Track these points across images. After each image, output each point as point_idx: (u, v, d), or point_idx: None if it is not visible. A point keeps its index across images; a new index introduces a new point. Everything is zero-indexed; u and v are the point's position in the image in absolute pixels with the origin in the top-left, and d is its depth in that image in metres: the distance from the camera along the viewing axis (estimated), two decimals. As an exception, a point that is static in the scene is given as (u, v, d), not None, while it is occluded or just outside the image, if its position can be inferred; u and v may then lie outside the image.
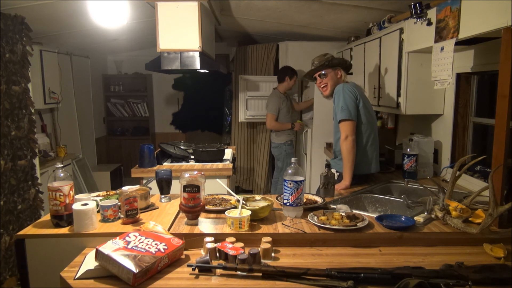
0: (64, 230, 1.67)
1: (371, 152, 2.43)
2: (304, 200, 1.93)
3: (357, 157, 2.32)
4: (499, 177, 1.64)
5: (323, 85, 2.45)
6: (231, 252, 1.43)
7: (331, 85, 2.42)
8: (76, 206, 1.65)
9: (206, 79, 6.11)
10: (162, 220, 1.78)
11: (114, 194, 2.04)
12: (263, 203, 1.80)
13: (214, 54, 3.74)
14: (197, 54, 2.90)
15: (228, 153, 3.51)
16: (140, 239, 1.43)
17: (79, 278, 1.34)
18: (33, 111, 3.11)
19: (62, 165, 1.71)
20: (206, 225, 1.75)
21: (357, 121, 2.32)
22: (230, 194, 2.01)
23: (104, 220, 1.75)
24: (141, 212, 1.84)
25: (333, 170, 2.25)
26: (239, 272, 1.34)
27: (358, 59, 3.59)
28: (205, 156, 3.22)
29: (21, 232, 1.66)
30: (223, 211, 1.79)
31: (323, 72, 2.42)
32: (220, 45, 5.79)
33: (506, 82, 1.60)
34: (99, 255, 1.34)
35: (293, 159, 1.85)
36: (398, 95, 2.74)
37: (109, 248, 1.35)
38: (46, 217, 1.82)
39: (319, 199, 2.02)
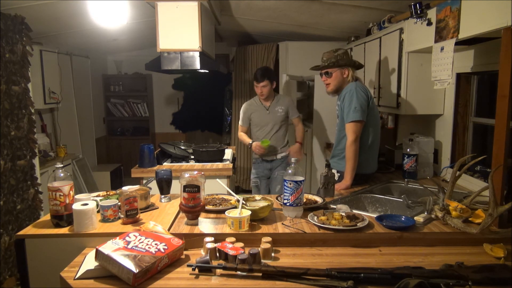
0: (64, 230, 1.67)
1: (373, 152, 2.45)
2: (304, 200, 1.93)
3: (361, 156, 2.32)
4: (499, 177, 1.64)
5: (327, 83, 2.46)
6: (231, 252, 1.43)
7: (335, 84, 2.42)
8: (76, 206, 1.65)
9: (206, 79, 6.11)
10: (162, 220, 1.78)
11: (114, 194, 2.04)
12: (263, 203, 1.80)
13: (214, 54, 3.74)
14: (197, 54, 2.90)
15: (228, 153, 3.51)
16: (140, 239, 1.43)
17: (79, 278, 1.34)
18: (33, 111, 3.11)
19: (62, 165, 1.71)
20: (206, 225, 1.75)
21: (365, 122, 2.32)
22: (230, 194, 2.01)
23: (104, 220, 1.75)
24: (141, 212, 1.84)
25: (333, 170, 2.24)
26: (239, 272, 1.34)
27: (358, 59, 3.57)
28: (205, 156, 3.22)
29: (21, 232, 1.66)
30: (223, 211, 1.79)
31: (328, 71, 2.42)
32: (220, 45, 5.79)
33: (506, 82, 1.60)
34: (99, 255, 1.34)
35: (293, 159, 1.85)
36: (398, 95, 2.74)
37: (109, 248, 1.35)
38: (46, 217, 1.82)
39: (319, 199, 2.02)
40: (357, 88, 2.31)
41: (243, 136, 3.47)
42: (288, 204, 1.80)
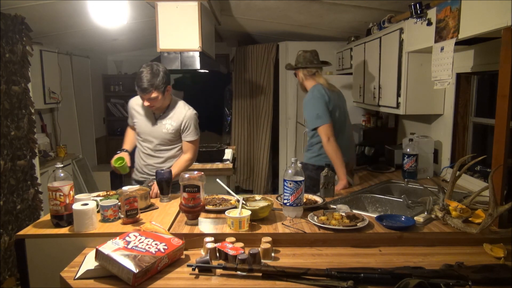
0: (64, 230, 1.67)
1: (341, 145, 2.41)
2: (304, 200, 1.93)
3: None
4: (499, 177, 1.64)
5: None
6: (231, 252, 1.43)
7: (300, 84, 2.63)
8: (76, 206, 1.65)
9: (206, 79, 6.11)
10: (162, 220, 1.78)
11: (114, 194, 2.04)
12: (263, 203, 1.80)
13: (214, 54, 3.74)
14: (197, 54, 2.90)
15: (228, 153, 3.51)
16: (140, 239, 1.43)
17: (79, 278, 1.34)
18: (33, 111, 3.11)
19: (62, 165, 1.71)
20: (206, 225, 1.75)
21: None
22: (230, 194, 2.01)
23: (104, 220, 1.75)
24: (141, 212, 1.84)
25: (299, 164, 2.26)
26: (239, 272, 1.34)
27: (358, 59, 3.59)
28: (205, 156, 3.22)
29: (21, 232, 1.66)
30: (223, 211, 1.79)
31: (294, 72, 2.65)
32: (220, 45, 5.78)
33: (506, 82, 1.60)
34: (99, 255, 1.34)
35: (293, 159, 1.85)
36: (398, 95, 2.74)
37: (109, 248, 1.35)
38: (46, 217, 1.82)
39: (319, 199, 2.02)
40: (313, 95, 2.41)
41: (126, 139, 2.53)
42: (288, 204, 1.80)
